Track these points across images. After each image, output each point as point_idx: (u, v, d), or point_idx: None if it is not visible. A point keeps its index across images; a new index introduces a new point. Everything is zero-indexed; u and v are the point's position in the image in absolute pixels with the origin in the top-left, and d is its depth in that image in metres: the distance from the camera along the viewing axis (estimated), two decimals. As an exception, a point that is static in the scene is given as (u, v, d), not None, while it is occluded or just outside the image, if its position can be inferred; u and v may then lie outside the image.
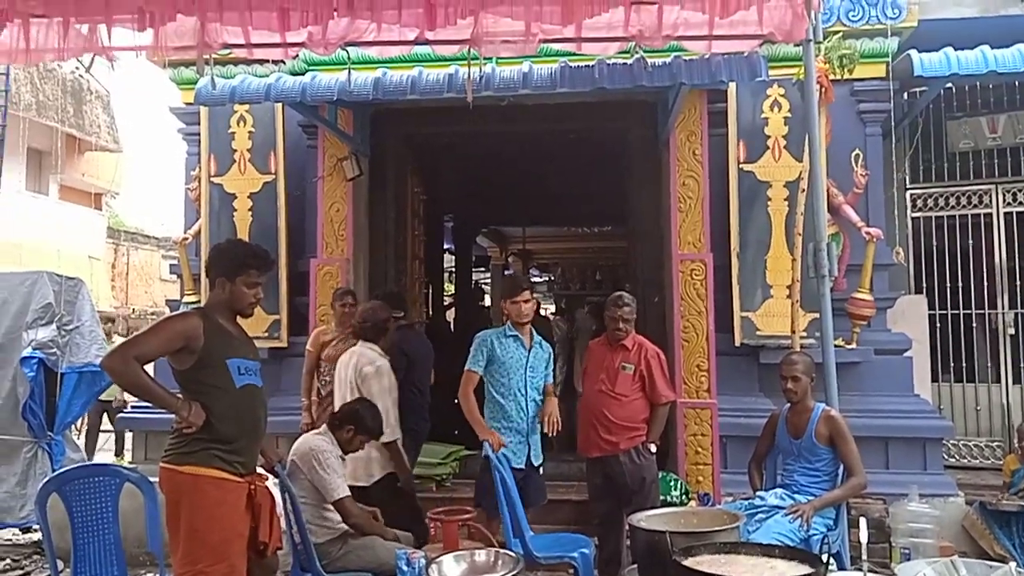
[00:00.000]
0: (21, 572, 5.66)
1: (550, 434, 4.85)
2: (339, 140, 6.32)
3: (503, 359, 4.70)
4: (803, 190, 5.42)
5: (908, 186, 6.93)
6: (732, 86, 5.88)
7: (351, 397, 4.61)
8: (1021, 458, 5.81)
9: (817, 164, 4.77)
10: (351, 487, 4.37)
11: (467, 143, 7.48)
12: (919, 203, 6.95)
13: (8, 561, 5.86)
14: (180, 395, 3.20)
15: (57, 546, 3.46)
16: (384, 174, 6.79)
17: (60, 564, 3.45)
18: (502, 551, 3.66)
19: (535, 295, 4.87)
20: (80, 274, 6.86)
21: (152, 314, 18.26)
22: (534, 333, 4.88)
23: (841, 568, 4.20)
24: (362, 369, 4.67)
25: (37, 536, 6.37)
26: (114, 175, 19.45)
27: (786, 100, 5.99)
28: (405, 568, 3.45)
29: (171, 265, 7.51)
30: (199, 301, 6.53)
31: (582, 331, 14.47)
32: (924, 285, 6.81)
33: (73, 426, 6.67)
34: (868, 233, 5.82)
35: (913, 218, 6.92)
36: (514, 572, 3.46)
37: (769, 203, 5.93)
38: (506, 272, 15.37)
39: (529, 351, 4.78)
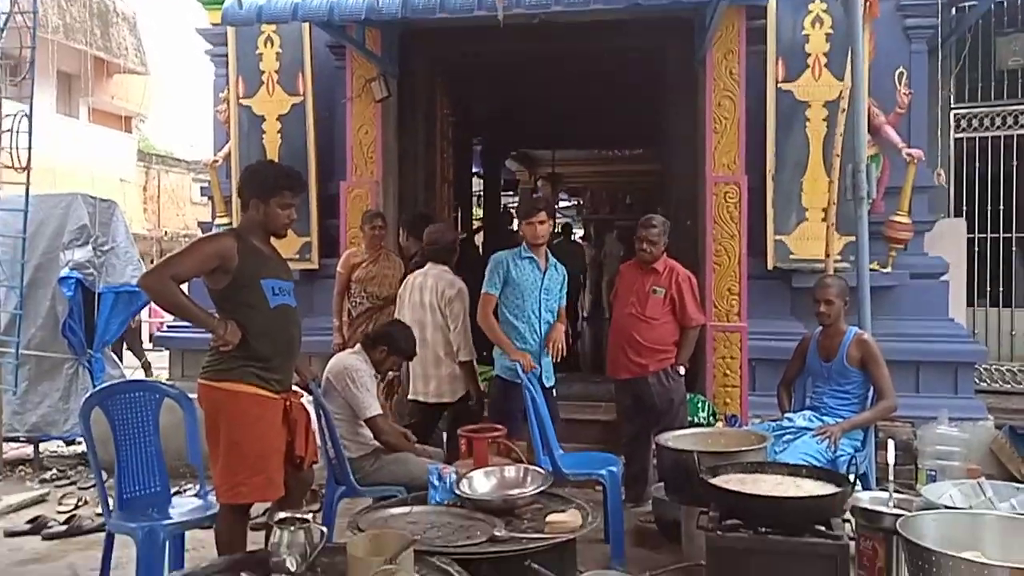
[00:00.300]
0: (68, 482, 5.88)
1: (554, 359, 4.78)
2: (367, 61, 6.22)
3: (518, 281, 4.63)
4: (843, 110, 5.28)
5: (952, 106, 6.70)
6: (772, 1, 5.67)
7: (431, 319, 4.78)
8: (1055, 383, 5.78)
9: (860, 82, 4.63)
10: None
11: (497, 64, 7.34)
12: (963, 123, 6.74)
13: (54, 471, 6.10)
14: (216, 314, 3.24)
15: (100, 458, 3.57)
16: (413, 96, 6.69)
17: (104, 475, 3.56)
18: (531, 467, 3.75)
19: (552, 217, 4.79)
20: (112, 197, 6.91)
21: (184, 236, 18.49)
22: (549, 255, 4.80)
23: (867, 489, 4.23)
24: (444, 291, 4.81)
25: (81, 448, 6.62)
26: (142, 98, 19.42)
27: (828, 16, 5.76)
28: (436, 482, 3.53)
29: (202, 188, 7.54)
30: (231, 223, 6.57)
31: (610, 256, 14.46)
32: (964, 208, 6.66)
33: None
34: (909, 154, 5.66)
35: (956, 139, 6.72)
36: (543, 487, 3.54)
37: (807, 124, 5.77)
38: (524, 191, 15.17)
39: (544, 273, 4.70)
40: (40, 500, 5.44)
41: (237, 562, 2.87)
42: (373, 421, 4.00)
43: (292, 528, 2.77)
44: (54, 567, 4.27)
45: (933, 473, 5.08)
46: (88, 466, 6.04)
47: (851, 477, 3.52)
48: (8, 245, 5.94)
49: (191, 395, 3.65)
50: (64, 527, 4.76)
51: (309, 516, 2.87)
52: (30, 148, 5.70)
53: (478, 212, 14.08)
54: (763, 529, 3.25)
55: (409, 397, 4.96)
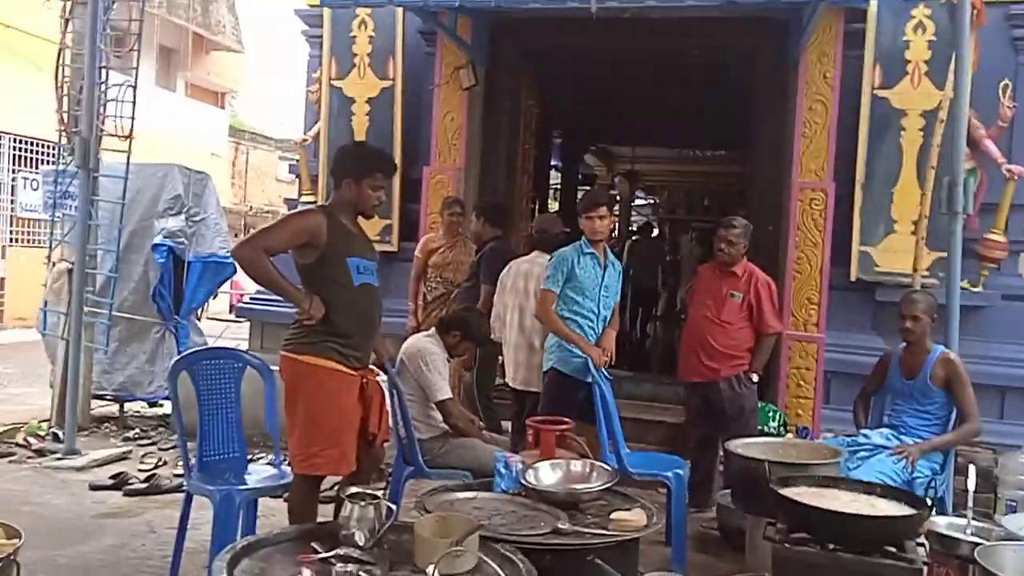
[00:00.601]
0: (149, 442, 6.13)
1: (600, 366, 4.52)
2: (457, 48, 6.29)
3: (581, 277, 4.50)
4: (942, 120, 5.08)
5: (1058, 122, 6.40)
6: (873, 4, 5.52)
7: (531, 307, 4.81)
8: None
9: (963, 92, 4.47)
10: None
11: (585, 57, 7.33)
12: (1069, 141, 6.42)
13: (137, 431, 6.37)
14: (302, 289, 3.34)
15: (183, 421, 3.71)
16: (500, 85, 6.74)
17: (185, 438, 3.70)
18: (598, 463, 3.74)
19: (612, 212, 4.67)
20: (203, 170, 7.15)
21: (267, 212, 19.00)
22: (608, 251, 4.70)
23: (943, 514, 4.11)
24: None
25: (163, 411, 6.89)
26: (237, 75, 20.00)
27: (932, 22, 5.57)
28: (503, 470, 3.55)
29: (290, 165, 7.75)
30: (316, 201, 6.74)
31: (686, 258, 14.24)
32: (1064, 230, 6.35)
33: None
34: (1009, 170, 5.43)
35: (1060, 157, 6.41)
36: (609, 484, 3.54)
37: (902, 133, 5.59)
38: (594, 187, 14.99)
39: (604, 269, 4.61)
40: (123, 457, 5.69)
41: (307, 532, 2.96)
42: (443, 404, 4.06)
43: (363, 503, 2.84)
44: (132, 522, 4.47)
45: (1013, 504, 4.89)
46: (169, 428, 6.31)
47: (928, 501, 3.42)
48: (107, 210, 6.20)
49: (272, 367, 3.78)
50: (144, 485, 4.97)
51: (379, 493, 2.96)
52: (133, 118, 5.92)
53: (554, 206, 14.08)
54: (832, 546, 3.20)
55: (500, 381, 5.16)
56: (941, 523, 3.62)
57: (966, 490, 3.68)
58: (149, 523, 4.45)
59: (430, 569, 2.20)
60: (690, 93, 8.61)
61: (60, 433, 5.79)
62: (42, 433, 5.96)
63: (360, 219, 3.52)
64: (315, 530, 2.99)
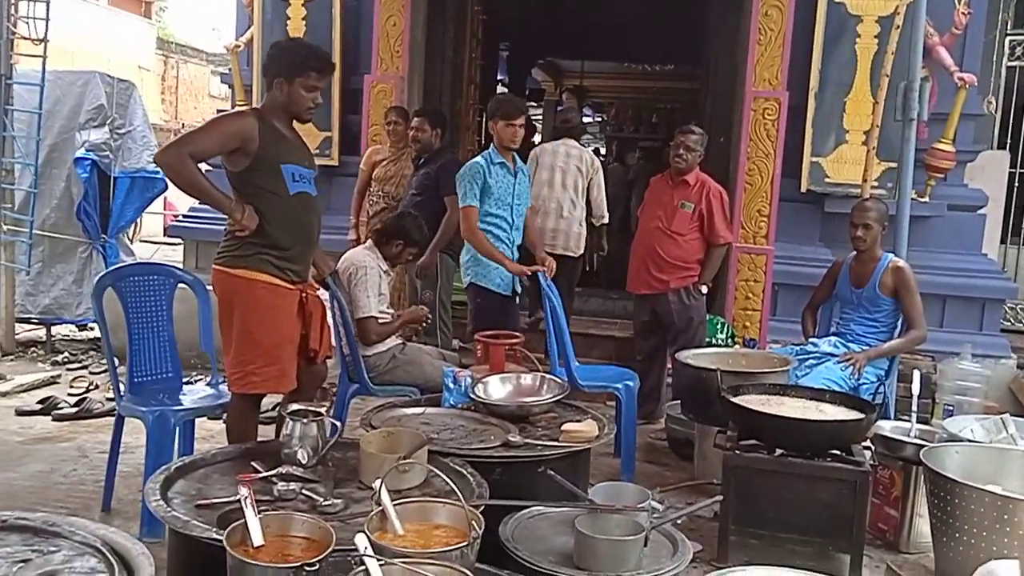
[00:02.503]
0: (79, 366, 5.90)
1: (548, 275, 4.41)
2: (399, -53, 5.92)
3: (494, 188, 4.32)
4: (897, 27, 4.98)
5: (1009, 32, 6.36)
6: (831, -96, 5.32)
7: (571, 183, 5.52)
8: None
9: (920, -3, 4.36)
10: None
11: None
12: (1018, 51, 6.41)
13: (66, 355, 6.11)
14: (233, 198, 3.13)
15: (112, 344, 3.51)
16: (444, -13, 6.42)
17: (116, 360, 3.52)
18: (548, 376, 3.67)
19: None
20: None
21: (202, 130, 18.20)
22: (516, 158, 4.50)
23: (886, 419, 4.17)
24: (593, 161, 5.72)
25: (92, 334, 6.63)
26: (163, -17, 18.93)
27: (888, -76, 5.41)
28: (452, 385, 3.46)
29: (222, 75, 7.34)
30: (250, 113, 6.40)
31: (640, 176, 14.21)
32: (1009, 141, 6.40)
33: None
34: (961, 79, 5.37)
35: (1009, 67, 6.41)
36: (559, 397, 3.47)
37: (858, 40, 5.45)
38: (558, 107, 14.80)
39: (515, 177, 4.44)
40: (51, 382, 5.45)
41: (247, 451, 2.84)
42: (360, 322, 3.87)
43: (304, 420, 2.72)
44: (63, 447, 4.28)
45: (951, 408, 5.00)
46: (100, 351, 6.05)
47: (874, 406, 3.44)
48: (23, 121, 5.80)
49: (208, 286, 3.58)
50: (75, 409, 4.76)
51: (323, 409, 2.83)
52: (47, 19, 5.47)
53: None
54: (782, 451, 3.21)
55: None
56: (886, 427, 3.67)
57: (909, 396, 3.73)
58: (80, 447, 4.27)
59: (377, 484, 2.09)
60: (641, 3, 8.34)
61: (-17, 358, 5.53)
62: (-36, 359, 5.68)
63: (297, 126, 3.29)
64: (255, 449, 2.87)
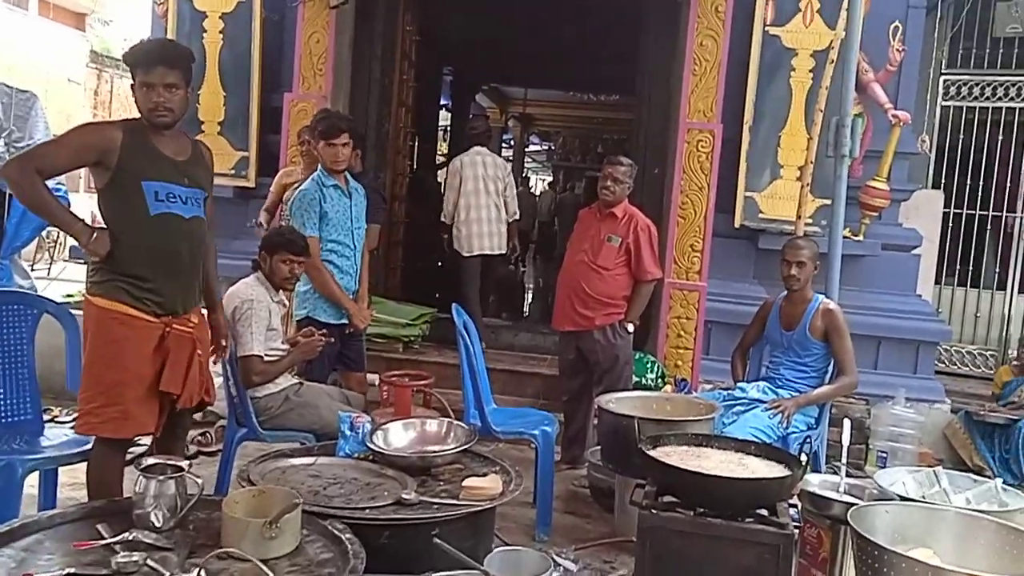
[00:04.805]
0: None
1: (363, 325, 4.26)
2: (323, -40, 5.65)
3: (331, 213, 4.05)
4: (832, 61, 4.89)
5: (943, 71, 6.34)
6: (767, -64, 5.22)
7: (493, 188, 5.93)
8: (1015, 370, 5.56)
9: (854, 32, 4.25)
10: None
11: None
12: (952, 90, 6.40)
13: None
14: (96, 221, 2.79)
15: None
16: (373, 5, 6.13)
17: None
18: (455, 422, 3.38)
19: (356, 139, 4.25)
20: (60, 98, 6.28)
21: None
22: (349, 178, 4.24)
23: (816, 469, 3.96)
24: (504, 165, 6.23)
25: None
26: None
27: (824, -42, 5.32)
28: (348, 432, 3.16)
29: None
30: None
31: (564, 206, 14.25)
32: (943, 180, 6.35)
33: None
34: (895, 116, 5.28)
35: (943, 106, 6.38)
36: (466, 446, 3.18)
37: (792, 73, 5.35)
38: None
39: (350, 198, 4.18)
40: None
41: (94, 510, 2.50)
42: (243, 360, 3.52)
43: (160, 477, 2.39)
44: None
45: (884, 455, 4.86)
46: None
47: (803, 457, 3.22)
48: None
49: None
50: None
51: (184, 464, 2.49)
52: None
53: (443, 147, 13.54)
54: (702, 510, 2.96)
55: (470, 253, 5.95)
56: (814, 482, 3.43)
57: (840, 442, 3.52)
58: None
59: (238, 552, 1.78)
60: (579, 29, 8.19)
61: None
62: None
63: (158, 132, 2.83)
64: (103, 508, 2.52)
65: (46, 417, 3.81)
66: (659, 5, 5.92)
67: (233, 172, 5.93)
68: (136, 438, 2.99)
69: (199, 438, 4.73)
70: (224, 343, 3.24)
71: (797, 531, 3.06)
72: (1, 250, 5.83)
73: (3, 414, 3.15)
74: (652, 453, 3.03)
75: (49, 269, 12.06)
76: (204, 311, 3.13)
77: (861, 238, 5.47)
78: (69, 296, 5.83)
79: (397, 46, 6.51)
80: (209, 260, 3.13)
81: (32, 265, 11.34)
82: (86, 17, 18.51)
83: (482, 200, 5.95)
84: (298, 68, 5.78)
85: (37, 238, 9.29)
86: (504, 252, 6.24)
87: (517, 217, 6.27)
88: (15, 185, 2.70)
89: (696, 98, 5.37)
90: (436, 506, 2.73)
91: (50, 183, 2.79)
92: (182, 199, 2.86)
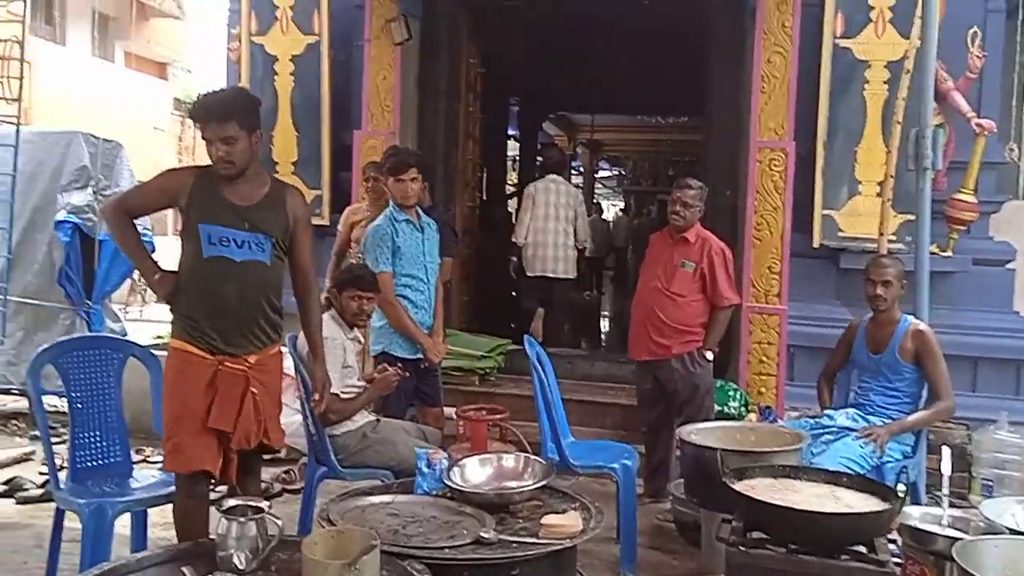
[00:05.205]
0: (59, 440, 5.56)
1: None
2: (388, -1, 5.77)
3: (404, 248, 4.09)
4: (908, 71, 4.70)
5: (1029, 75, 6.05)
6: (833, -53, 5.10)
7: (563, 215, 6.28)
8: None
9: (930, 39, 4.08)
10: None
11: (532, 13, 6.82)
12: (1040, 95, 6.08)
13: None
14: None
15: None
16: (437, 40, 6.23)
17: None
18: (533, 457, 3.33)
19: (424, 174, 4.24)
20: (145, 146, 6.53)
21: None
22: (420, 212, 4.27)
23: (916, 501, 3.76)
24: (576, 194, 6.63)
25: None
26: (179, 44, 19.11)
27: (896, -35, 5.16)
28: (425, 469, 3.13)
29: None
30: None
31: (642, 231, 14.28)
32: (1036, 190, 6.04)
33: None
34: (979, 125, 5.06)
35: (1032, 112, 6.07)
36: (544, 482, 3.12)
37: (866, 86, 5.19)
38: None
39: (422, 232, 4.20)
40: (25, 459, 5.15)
41: (180, 552, 2.52)
42: None
43: (241, 519, 2.41)
44: (19, 536, 3.96)
45: (990, 483, 4.58)
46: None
47: (900, 488, 3.05)
48: (6, 184, 5.62)
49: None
50: (40, 491, 4.44)
51: (264, 504, 2.51)
52: (21, 78, 5.32)
53: (512, 176, 13.59)
54: (793, 546, 2.83)
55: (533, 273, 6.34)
56: (914, 514, 3.25)
57: (940, 471, 3.33)
58: (38, 536, 3.91)
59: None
60: (648, 53, 8.15)
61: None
62: (-59, 433, 5.41)
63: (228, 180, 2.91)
64: (190, 550, 2.55)
65: (138, 458, 3.92)
66: (724, 23, 5.85)
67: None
68: (213, 479, 3.02)
69: (284, 475, 4.79)
70: (319, 395, 3.20)
71: (898, 568, 2.90)
72: (93, 295, 6.05)
73: (93, 457, 3.23)
74: (737, 487, 2.93)
75: (141, 311, 12.55)
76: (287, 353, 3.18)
77: (950, 253, 5.24)
78: (159, 337, 6.00)
79: (462, 79, 6.58)
80: (306, 309, 3.13)
81: (125, 307, 11.82)
82: (167, 66, 19.32)
83: (550, 225, 6.28)
84: (366, 106, 5.89)
85: (130, 281, 9.67)
86: (571, 277, 6.46)
87: (587, 243, 6.55)
88: (108, 223, 2.95)
89: (766, 116, 5.25)
90: (515, 545, 2.67)
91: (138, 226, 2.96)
92: (236, 243, 2.89)
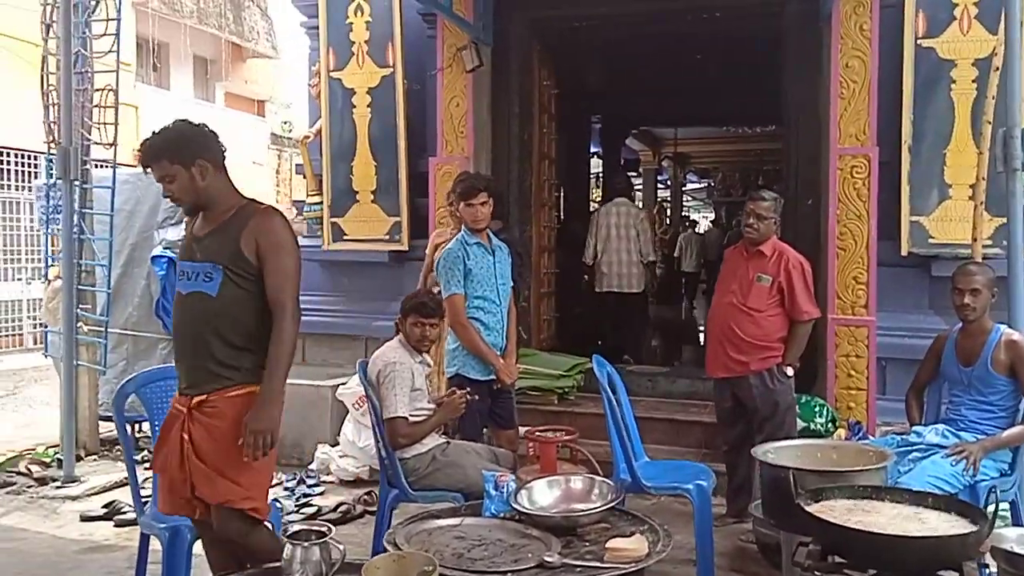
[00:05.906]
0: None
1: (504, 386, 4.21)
2: (459, 28, 5.87)
3: (475, 271, 4.12)
4: (997, 68, 4.44)
5: None
6: (912, -56, 4.91)
7: (628, 235, 7.01)
8: None
9: (1015, 34, 3.86)
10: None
11: (603, 27, 6.81)
12: None
13: (146, 453, 6.09)
14: None
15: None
16: (507, 65, 6.29)
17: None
18: (601, 479, 3.29)
19: (493, 197, 4.22)
20: (244, 179, 6.79)
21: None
22: (491, 235, 4.27)
23: (1017, 523, 3.52)
24: (638, 214, 7.32)
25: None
26: (274, 81, 19.95)
27: (980, -41, 4.93)
28: (493, 492, 3.13)
29: (297, 165, 7.42)
30: (322, 201, 6.42)
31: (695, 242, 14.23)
32: None
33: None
34: (1076, 121, 4.74)
35: None
36: (612, 503, 3.08)
37: (953, 86, 4.96)
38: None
39: (493, 255, 4.20)
40: (124, 483, 5.40)
41: (249, 576, 2.60)
42: (388, 423, 3.58)
43: (305, 544, 2.46)
44: (115, 557, 4.16)
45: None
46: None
47: (990, 509, 2.87)
48: (105, 223, 5.96)
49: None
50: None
51: (326, 529, 2.56)
52: (116, 124, 5.65)
53: (596, 193, 13.55)
54: (873, 572, 2.69)
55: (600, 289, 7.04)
56: (1011, 536, 3.04)
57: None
58: (131, 558, 4.08)
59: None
60: (725, 63, 8.02)
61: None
62: (48, 460, 5.73)
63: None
64: (257, 574, 2.62)
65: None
66: (800, 27, 5.70)
67: (387, 237, 6.21)
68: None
69: (365, 497, 4.88)
70: (253, 443, 2.68)
71: (990, 595, 2.72)
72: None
73: (176, 483, 3.35)
74: (811, 509, 2.80)
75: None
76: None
77: (1049, 257, 4.91)
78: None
79: (535, 101, 6.62)
80: (271, 341, 2.73)
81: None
82: (264, 104, 20.19)
83: (613, 244, 6.98)
84: (441, 133, 6.00)
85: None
86: (638, 291, 7.11)
87: (652, 259, 7.27)
88: None
89: (846, 122, 5.08)
90: (579, 569, 2.63)
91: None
92: (188, 275, 2.81)
